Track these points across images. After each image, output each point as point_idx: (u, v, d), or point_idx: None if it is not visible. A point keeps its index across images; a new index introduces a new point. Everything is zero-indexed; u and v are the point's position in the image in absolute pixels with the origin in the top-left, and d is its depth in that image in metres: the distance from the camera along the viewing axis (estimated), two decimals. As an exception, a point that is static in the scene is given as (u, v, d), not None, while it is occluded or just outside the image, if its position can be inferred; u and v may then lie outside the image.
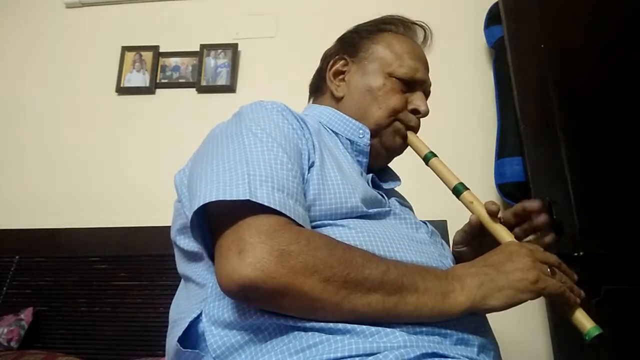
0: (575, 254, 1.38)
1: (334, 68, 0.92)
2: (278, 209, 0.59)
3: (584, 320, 0.64)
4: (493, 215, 0.75)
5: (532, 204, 0.78)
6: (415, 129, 0.89)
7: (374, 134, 0.85)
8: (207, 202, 0.59)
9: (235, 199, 0.58)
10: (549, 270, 0.64)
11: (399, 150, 0.90)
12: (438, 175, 0.84)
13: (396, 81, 0.86)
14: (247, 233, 0.56)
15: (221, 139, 0.71)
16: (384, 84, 0.86)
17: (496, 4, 1.81)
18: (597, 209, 1.45)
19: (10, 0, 2.28)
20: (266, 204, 0.58)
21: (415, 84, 0.88)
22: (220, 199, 0.59)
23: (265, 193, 0.59)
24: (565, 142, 1.52)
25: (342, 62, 0.92)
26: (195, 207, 0.60)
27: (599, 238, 1.41)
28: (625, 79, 1.57)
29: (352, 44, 0.93)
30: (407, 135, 0.87)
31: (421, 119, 0.89)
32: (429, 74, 0.92)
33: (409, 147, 0.89)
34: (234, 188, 0.59)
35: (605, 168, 1.49)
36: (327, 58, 0.95)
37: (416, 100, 0.87)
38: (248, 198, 0.58)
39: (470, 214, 0.79)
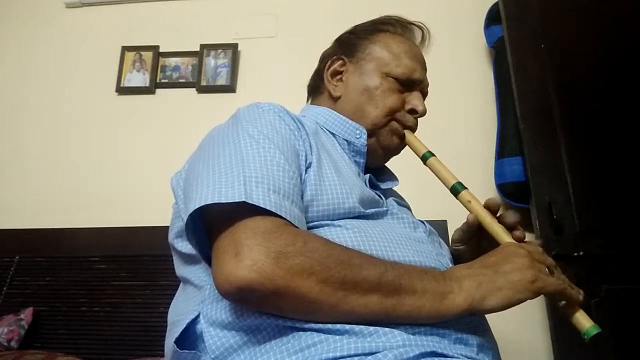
0: (575, 254, 1.38)
1: (331, 68, 0.92)
2: (274, 210, 0.58)
3: (582, 320, 0.64)
4: (493, 210, 0.75)
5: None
6: (413, 129, 0.88)
7: (371, 133, 0.85)
8: (202, 205, 0.59)
9: (231, 201, 0.58)
10: (547, 269, 0.64)
11: (396, 150, 0.90)
12: (436, 175, 0.83)
13: (393, 81, 0.86)
14: (244, 235, 0.56)
15: (218, 141, 0.71)
16: (380, 83, 0.85)
17: (496, 4, 1.81)
18: (597, 209, 1.45)
19: (10, 0, 2.29)
20: (262, 205, 0.58)
21: (413, 83, 0.88)
22: (216, 201, 0.58)
23: (261, 194, 0.59)
24: (565, 142, 1.52)
25: (339, 62, 0.91)
26: (191, 210, 0.60)
27: (599, 238, 1.41)
28: (625, 78, 1.57)
29: (349, 45, 0.93)
30: (404, 134, 0.87)
31: (421, 119, 0.89)
32: (427, 74, 0.92)
33: (406, 147, 0.89)
34: (229, 190, 0.59)
35: (605, 168, 1.49)
36: (324, 58, 0.95)
37: (414, 100, 0.87)
38: (244, 200, 0.57)
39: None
